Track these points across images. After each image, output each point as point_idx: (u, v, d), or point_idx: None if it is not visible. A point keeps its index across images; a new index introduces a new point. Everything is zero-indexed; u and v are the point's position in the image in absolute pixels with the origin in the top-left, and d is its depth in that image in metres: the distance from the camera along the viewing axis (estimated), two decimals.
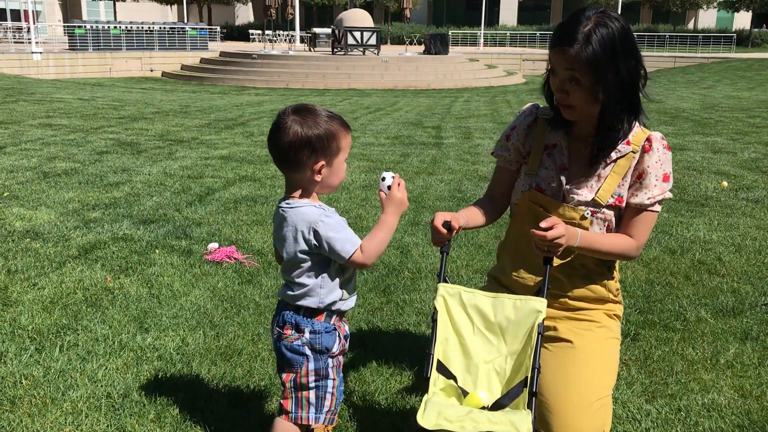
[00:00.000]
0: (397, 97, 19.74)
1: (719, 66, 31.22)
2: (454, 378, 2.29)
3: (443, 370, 2.29)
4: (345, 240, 2.03)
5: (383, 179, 2.15)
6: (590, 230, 2.42)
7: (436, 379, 2.27)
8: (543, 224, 2.28)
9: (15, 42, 28.21)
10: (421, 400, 2.12)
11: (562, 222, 2.33)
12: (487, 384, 2.33)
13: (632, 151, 2.37)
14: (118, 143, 9.18)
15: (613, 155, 2.37)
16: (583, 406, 2.38)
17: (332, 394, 2.15)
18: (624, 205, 2.41)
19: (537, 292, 2.37)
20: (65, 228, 5.10)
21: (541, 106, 2.57)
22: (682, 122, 12.12)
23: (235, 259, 4.48)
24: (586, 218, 2.41)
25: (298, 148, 2.02)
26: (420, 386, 2.25)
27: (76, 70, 26.57)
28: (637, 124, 2.39)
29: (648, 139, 2.37)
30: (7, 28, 29.45)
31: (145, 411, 2.61)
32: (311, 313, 2.12)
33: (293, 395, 2.14)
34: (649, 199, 2.35)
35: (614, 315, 2.61)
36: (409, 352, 3.20)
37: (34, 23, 26.17)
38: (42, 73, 25.06)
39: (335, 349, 2.14)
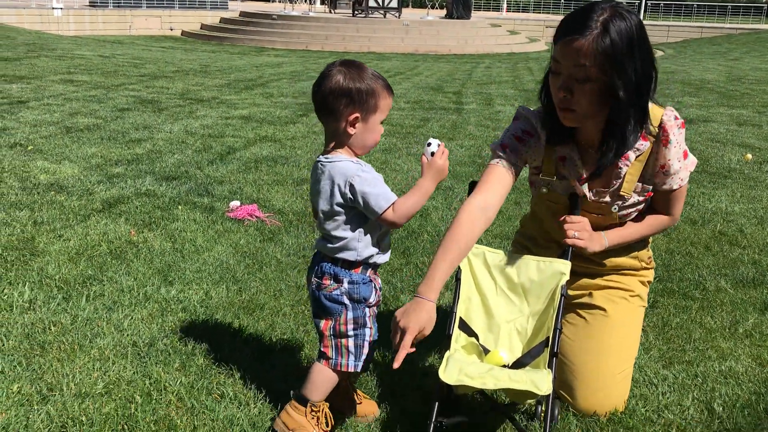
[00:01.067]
0: (418, 61, 19.56)
1: (747, 38, 30.59)
2: (476, 336, 2.33)
3: (465, 328, 2.34)
4: (379, 196, 2.05)
5: (428, 144, 2.13)
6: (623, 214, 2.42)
7: (458, 337, 2.31)
8: (568, 229, 2.34)
9: None
10: (442, 357, 2.16)
11: (587, 228, 2.38)
12: (508, 343, 2.37)
13: (649, 135, 2.29)
14: (139, 101, 9.20)
15: (632, 156, 2.30)
16: (608, 377, 2.42)
17: (368, 342, 2.21)
18: (653, 191, 2.41)
19: (561, 254, 2.39)
20: (89, 182, 5.16)
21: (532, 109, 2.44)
22: (706, 94, 11.94)
23: (256, 217, 4.52)
24: (614, 212, 2.42)
25: (337, 95, 2.05)
26: (441, 344, 2.28)
27: (96, 27, 26.52)
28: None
29: (663, 128, 2.26)
30: None
31: (171, 360, 2.67)
32: (349, 265, 2.16)
33: (332, 343, 2.20)
34: (678, 182, 2.35)
35: (647, 282, 2.64)
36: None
37: None
38: (62, 30, 25.04)
39: (372, 299, 2.20)
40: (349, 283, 2.16)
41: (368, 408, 2.38)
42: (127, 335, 2.85)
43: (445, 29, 26.45)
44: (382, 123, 2.15)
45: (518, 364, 2.23)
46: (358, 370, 2.21)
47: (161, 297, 3.24)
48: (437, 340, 2.77)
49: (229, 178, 5.53)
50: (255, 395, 2.44)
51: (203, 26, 28.70)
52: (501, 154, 2.37)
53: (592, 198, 2.40)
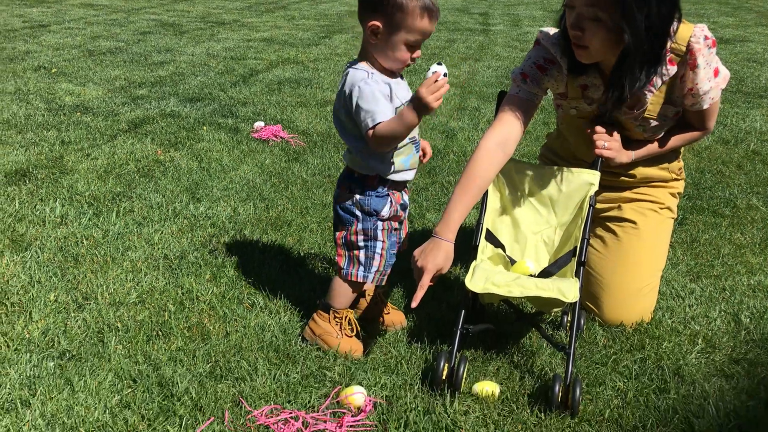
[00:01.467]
0: None
1: None
2: (503, 247, 2.33)
3: (492, 239, 2.34)
4: (368, 113, 2.00)
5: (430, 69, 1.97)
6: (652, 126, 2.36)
7: (484, 248, 2.31)
8: (597, 139, 2.29)
9: None
10: (468, 268, 2.17)
11: (616, 139, 2.33)
12: (534, 254, 2.37)
13: (676, 57, 2.19)
14: (160, 24, 9.10)
15: (658, 81, 2.22)
16: (635, 290, 2.42)
17: (381, 255, 2.21)
18: (682, 111, 2.35)
19: (590, 165, 2.36)
20: (113, 104, 5.16)
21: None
22: (744, 13, 11.51)
23: (281, 137, 4.50)
24: (641, 131, 2.37)
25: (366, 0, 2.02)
26: (467, 255, 2.28)
27: None
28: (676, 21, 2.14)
29: (690, 52, 2.16)
30: None
31: (201, 271, 2.71)
32: (363, 177, 2.15)
33: (345, 253, 2.22)
34: (708, 102, 2.27)
35: (677, 193, 2.60)
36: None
37: None
38: None
39: (384, 212, 2.18)
40: (360, 194, 2.15)
41: (396, 318, 2.41)
42: (158, 248, 2.90)
43: None
44: (416, 46, 2.03)
45: (545, 274, 2.23)
46: (368, 281, 2.22)
47: (190, 213, 3.27)
48: (463, 253, 2.78)
49: (253, 99, 5.50)
50: (284, 305, 2.48)
51: None
52: (521, 84, 2.30)
53: (613, 115, 2.34)
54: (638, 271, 2.46)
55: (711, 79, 2.22)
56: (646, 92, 2.23)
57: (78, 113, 4.85)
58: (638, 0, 1.96)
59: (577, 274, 2.15)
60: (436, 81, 1.90)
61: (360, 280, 2.21)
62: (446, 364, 2.02)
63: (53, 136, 4.30)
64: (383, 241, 2.21)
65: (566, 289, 2.04)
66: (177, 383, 2.03)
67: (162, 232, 3.05)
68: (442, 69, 1.93)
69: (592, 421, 1.94)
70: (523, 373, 2.14)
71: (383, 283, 2.28)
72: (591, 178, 2.30)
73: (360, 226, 2.18)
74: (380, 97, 2.01)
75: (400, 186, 2.22)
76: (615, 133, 2.34)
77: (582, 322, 2.34)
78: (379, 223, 2.19)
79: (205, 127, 4.66)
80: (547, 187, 2.36)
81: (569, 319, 2.32)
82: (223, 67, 6.63)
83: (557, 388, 1.93)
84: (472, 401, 1.99)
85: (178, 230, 3.09)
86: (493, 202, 2.39)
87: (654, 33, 2.03)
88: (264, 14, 10.63)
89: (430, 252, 2.10)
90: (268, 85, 6.00)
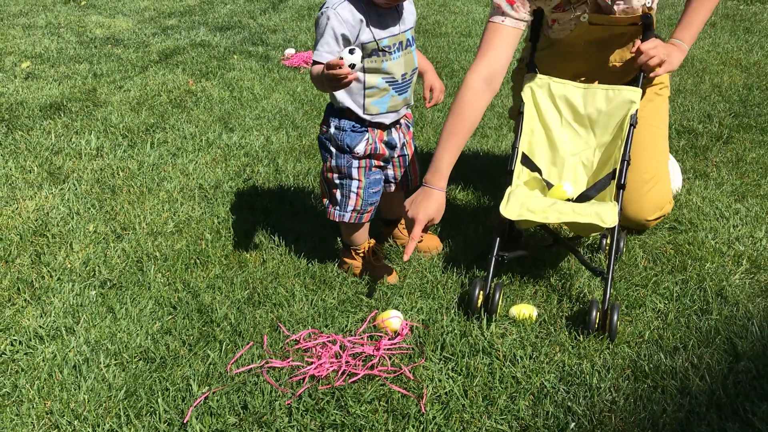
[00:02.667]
0: None
1: None
2: (539, 171, 2.26)
3: (528, 162, 2.26)
4: (316, 46, 1.90)
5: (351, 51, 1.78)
6: None
7: (520, 172, 2.24)
8: (647, 57, 2.13)
9: None
10: (504, 193, 2.12)
11: (664, 48, 2.17)
12: (573, 177, 2.30)
13: None
14: None
15: None
16: (641, 182, 2.33)
17: (357, 194, 2.11)
18: None
19: (632, 81, 2.25)
20: (144, 35, 5.11)
21: None
22: None
23: None
24: (650, 8, 2.21)
25: None
26: (502, 180, 2.23)
27: None
28: None
29: None
30: None
31: (236, 201, 2.72)
32: (341, 110, 2.03)
33: (325, 189, 2.16)
34: None
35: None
36: (490, 153, 3.18)
37: None
38: None
39: (359, 150, 2.05)
40: (335, 128, 2.04)
41: (431, 243, 2.39)
42: (193, 179, 2.90)
43: None
44: None
45: (583, 198, 2.16)
46: (345, 219, 2.13)
47: (223, 143, 3.26)
48: (490, 188, 2.73)
49: (283, 26, 5.39)
50: (319, 231, 2.48)
51: None
52: (508, 10, 2.14)
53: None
54: (642, 164, 2.36)
55: None
56: None
57: (109, 45, 4.83)
58: None
59: (616, 198, 2.09)
60: (340, 67, 1.74)
61: (337, 219, 2.14)
62: (481, 291, 2.01)
63: (85, 69, 4.29)
64: (359, 180, 2.09)
65: (604, 213, 1.98)
66: (216, 309, 2.06)
67: (196, 162, 3.06)
68: (350, 58, 1.75)
69: (632, 342, 1.92)
70: (560, 296, 2.12)
71: (363, 221, 2.17)
72: (632, 95, 2.20)
73: (333, 162, 2.08)
74: (327, 34, 1.88)
75: (381, 125, 2.09)
76: (653, 39, 2.18)
77: (621, 245, 2.29)
78: (354, 161, 2.07)
79: (235, 56, 4.60)
80: (587, 106, 2.26)
81: (608, 242, 2.27)
82: None
83: (594, 313, 1.91)
84: (509, 324, 1.98)
85: (212, 160, 3.09)
86: (530, 123, 2.30)
87: None
88: None
89: (420, 202, 2.03)
90: (298, 11, 5.87)
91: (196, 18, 5.64)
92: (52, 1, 6.15)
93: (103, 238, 2.46)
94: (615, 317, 1.89)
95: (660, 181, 2.39)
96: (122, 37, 5.05)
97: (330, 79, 1.78)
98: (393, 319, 1.96)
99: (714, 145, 3.15)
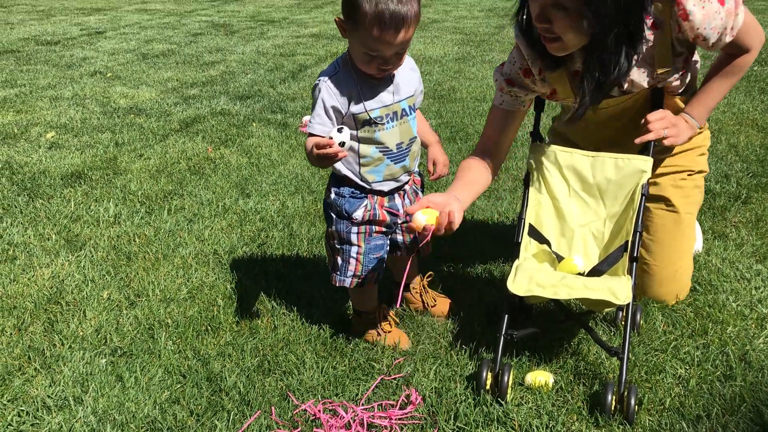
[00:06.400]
0: None
1: None
2: (548, 242, 2.19)
3: (536, 234, 2.20)
4: (311, 117, 1.92)
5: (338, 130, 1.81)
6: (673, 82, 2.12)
7: (527, 244, 2.18)
8: (653, 128, 2.05)
9: None
10: (511, 267, 2.07)
11: (672, 120, 2.10)
12: (583, 249, 2.21)
13: (664, 21, 1.96)
14: (211, 25, 9.23)
15: (642, 48, 1.98)
16: (672, 272, 2.33)
17: (356, 259, 2.09)
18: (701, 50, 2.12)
19: (642, 150, 2.20)
20: (166, 104, 5.24)
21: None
22: None
23: None
24: (660, 86, 2.14)
25: None
26: (509, 253, 2.19)
27: None
28: None
29: (677, 2, 1.90)
30: None
31: (250, 266, 2.72)
32: (339, 178, 2.05)
33: (329, 254, 2.17)
34: (730, 35, 1.99)
35: (706, 150, 2.40)
36: (504, 216, 3.17)
37: None
38: None
39: (357, 215, 2.04)
40: (335, 194, 2.05)
41: (444, 307, 2.36)
42: (208, 244, 2.92)
43: None
44: (380, 57, 1.82)
45: (595, 272, 2.06)
46: (345, 285, 2.12)
47: (239, 208, 3.29)
48: (504, 252, 2.70)
49: (301, 94, 5.51)
50: (333, 296, 2.46)
51: None
52: (506, 90, 2.15)
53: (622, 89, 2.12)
54: (676, 255, 2.34)
55: (718, 13, 1.93)
56: (637, 70, 2.04)
57: (132, 115, 4.95)
58: None
59: (629, 272, 2.00)
60: (330, 146, 1.75)
61: (337, 284, 2.13)
62: (490, 373, 1.93)
63: (108, 138, 4.39)
64: (358, 245, 2.08)
65: (618, 289, 1.90)
66: (225, 378, 2.03)
67: (212, 228, 3.08)
68: (339, 136, 1.77)
69: (652, 410, 1.85)
70: (577, 362, 2.06)
71: (365, 286, 2.14)
72: (643, 165, 2.13)
73: (334, 227, 2.09)
74: (319, 107, 1.89)
75: (381, 192, 2.08)
76: (667, 113, 2.11)
77: (638, 318, 2.20)
78: (353, 227, 2.07)
79: (254, 124, 4.69)
80: (595, 175, 2.18)
81: (624, 315, 2.16)
82: (272, 64, 6.67)
83: (610, 397, 1.80)
84: (525, 392, 1.93)
85: (227, 226, 3.11)
86: (535, 192, 2.25)
87: (626, 11, 1.81)
88: (312, 10, 10.68)
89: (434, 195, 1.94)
90: (316, 79, 6.00)
91: (217, 87, 5.78)
92: (79, 73, 6.36)
93: (117, 305, 2.46)
94: (632, 401, 1.78)
95: (688, 267, 2.37)
96: (145, 106, 5.18)
97: (320, 158, 1.79)
98: (418, 216, 1.82)
99: (732, 205, 3.11)
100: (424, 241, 1.92)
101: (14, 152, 4.13)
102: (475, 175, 2.14)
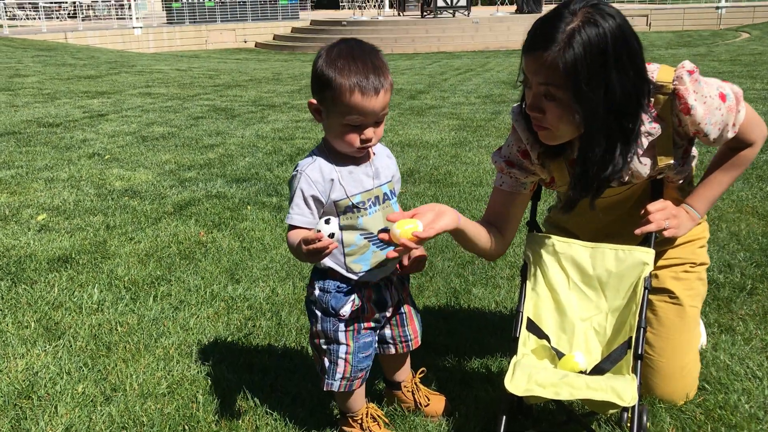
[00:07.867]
0: (488, 57, 19.24)
1: None
2: (547, 338, 2.09)
3: (534, 329, 2.10)
4: (290, 209, 1.85)
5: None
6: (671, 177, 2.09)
7: (526, 340, 2.08)
8: (653, 220, 2.00)
9: (117, 18, 29.33)
10: (508, 364, 1.96)
11: (672, 212, 2.06)
12: (584, 345, 2.11)
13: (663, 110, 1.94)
14: (213, 109, 9.34)
15: (645, 141, 1.95)
16: (679, 368, 2.22)
17: (345, 360, 1.96)
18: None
19: (643, 241, 2.13)
20: (161, 187, 5.21)
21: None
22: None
23: None
24: (660, 177, 2.10)
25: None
26: (506, 348, 2.08)
27: (174, 43, 27.41)
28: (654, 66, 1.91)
29: (678, 96, 1.88)
30: (110, 5, 30.69)
31: (235, 358, 2.59)
32: (322, 272, 1.95)
33: (315, 355, 2.04)
34: (731, 131, 1.97)
35: (705, 242, 2.33)
36: (502, 306, 3.06)
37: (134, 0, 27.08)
38: (142, 47, 25.99)
39: (344, 311, 1.93)
40: (319, 290, 1.94)
41: (438, 406, 2.23)
42: (193, 334, 2.80)
43: (515, 24, 25.92)
44: (361, 126, 1.77)
45: (598, 370, 1.95)
46: (334, 389, 1.97)
47: (228, 295, 3.18)
48: (502, 345, 2.59)
49: None
50: (319, 393, 2.32)
51: (275, 37, 29.20)
52: (506, 172, 2.10)
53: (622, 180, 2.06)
54: (682, 349, 2.23)
55: (719, 109, 1.91)
56: (638, 162, 1.99)
57: (126, 197, 4.91)
58: (591, 78, 1.72)
59: (634, 370, 1.89)
60: (319, 240, 1.69)
61: (325, 389, 1.99)
62: None
63: (99, 221, 4.33)
64: (347, 344, 1.95)
65: (622, 389, 1.79)
66: None
67: (198, 317, 2.96)
68: (328, 228, 1.74)
69: None
70: None
71: (353, 389, 2.01)
72: (645, 256, 2.05)
73: (319, 326, 1.96)
74: (297, 196, 1.82)
75: (369, 284, 1.97)
76: (668, 203, 2.06)
77: (645, 420, 2.06)
78: (341, 324, 1.94)
79: (249, 207, 4.64)
80: (596, 267, 2.10)
81: (629, 416, 1.99)
82: (271, 148, 6.69)
83: None
84: None
85: (214, 314, 2.99)
86: (533, 285, 2.17)
87: (618, 109, 1.78)
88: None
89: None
90: None
91: (215, 170, 5.77)
92: (77, 155, 6.37)
93: (91, 401, 2.32)
94: None
95: (693, 368, 2.26)
96: (140, 189, 5.15)
97: (310, 253, 1.71)
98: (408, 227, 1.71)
99: (738, 297, 3.00)
100: (407, 260, 1.87)
101: (2, 235, 4.05)
102: (481, 229, 2.06)
